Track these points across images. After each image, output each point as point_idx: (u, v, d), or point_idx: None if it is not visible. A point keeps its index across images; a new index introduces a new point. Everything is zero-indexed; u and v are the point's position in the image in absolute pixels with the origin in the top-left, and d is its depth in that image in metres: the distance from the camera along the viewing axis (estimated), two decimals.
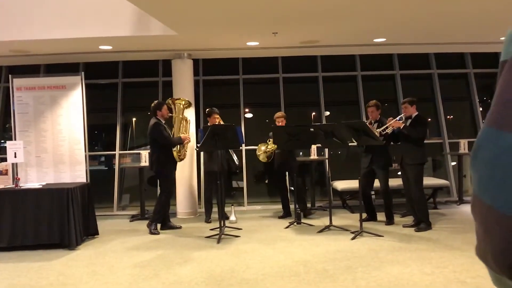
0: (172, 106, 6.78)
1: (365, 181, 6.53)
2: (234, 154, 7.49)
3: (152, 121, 6.41)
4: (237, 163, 7.55)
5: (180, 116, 6.77)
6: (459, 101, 9.61)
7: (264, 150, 7.23)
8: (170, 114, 6.69)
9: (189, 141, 6.75)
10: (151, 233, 6.31)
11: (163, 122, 6.50)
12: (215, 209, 7.29)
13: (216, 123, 6.88)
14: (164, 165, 6.43)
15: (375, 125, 6.51)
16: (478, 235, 0.70)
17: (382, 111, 6.69)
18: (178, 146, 6.57)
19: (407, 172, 6.11)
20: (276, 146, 7.02)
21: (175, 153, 6.53)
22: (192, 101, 7.97)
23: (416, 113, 6.17)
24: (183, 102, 6.81)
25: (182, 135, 6.59)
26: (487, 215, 0.66)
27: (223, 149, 6.79)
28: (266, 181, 9.22)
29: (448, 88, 9.14)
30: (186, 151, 6.75)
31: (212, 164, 7.01)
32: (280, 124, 7.15)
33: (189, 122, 6.95)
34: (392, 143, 6.44)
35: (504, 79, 0.68)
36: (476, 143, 0.69)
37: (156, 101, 6.64)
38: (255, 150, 8.57)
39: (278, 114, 7.29)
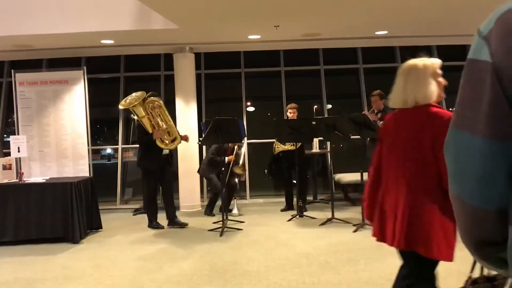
0: (133, 111, 6.15)
1: None
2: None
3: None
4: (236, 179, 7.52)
5: (143, 115, 6.05)
6: None
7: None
8: (134, 117, 6.24)
9: (161, 135, 6.09)
10: (154, 228, 6.28)
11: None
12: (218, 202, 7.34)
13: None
14: (146, 161, 6.25)
15: (379, 115, 6.52)
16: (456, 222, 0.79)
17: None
18: (159, 140, 6.08)
19: None
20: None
21: (158, 143, 6.05)
22: (194, 95, 7.98)
23: None
24: (137, 102, 5.99)
25: (155, 132, 6.03)
26: (455, 203, 0.76)
27: (226, 143, 6.80)
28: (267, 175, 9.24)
29: (451, 81, 9.08)
30: (176, 136, 6.19)
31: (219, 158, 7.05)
32: (291, 115, 7.17)
33: (162, 104, 6.20)
34: None
35: (461, 82, 0.75)
36: (445, 141, 0.77)
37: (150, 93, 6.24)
38: (257, 143, 8.62)
39: (292, 104, 7.31)
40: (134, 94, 6.17)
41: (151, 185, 6.38)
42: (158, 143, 6.09)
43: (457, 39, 8.35)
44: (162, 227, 6.29)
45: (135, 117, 6.22)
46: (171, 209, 6.44)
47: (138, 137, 6.36)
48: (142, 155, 6.30)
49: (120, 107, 6.35)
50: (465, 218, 0.74)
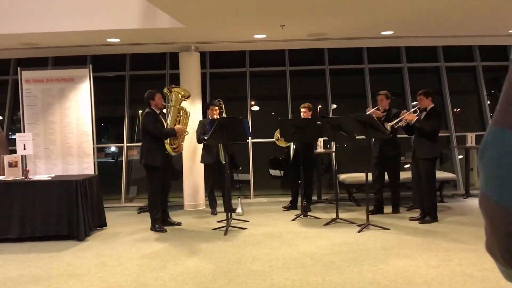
0: (169, 95, 6.37)
1: (376, 172, 6.60)
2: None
3: (145, 111, 6.16)
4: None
5: (178, 106, 6.31)
6: (466, 94, 9.57)
7: (277, 137, 7.32)
8: (165, 104, 6.34)
9: (185, 133, 6.33)
10: (157, 231, 6.06)
11: (159, 112, 6.19)
12: (220, 201, 7.34)
13: (219, 116, 6.86)
14: (154, 158, 6.01)
15: (384, 114, 6.52)
16: (486, 231, 0.71)
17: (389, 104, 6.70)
18: (170, 138, 6.13)
19: (420, 166, 6.09)
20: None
21: (167, 145, 6.07)
22: (200, 94, 7.99)
23: (432, 105, 6.08)
24: (182, 92, 6.35)
25: (176, 127, 6.14)
26: (494, 211, 0.67)
27: (230, 142, 6.80)
28: (274, 174, 9.25)
29: (456, 81, 9.10)
30: (182, 143, 6.36)
31: (208, 157, 7.06)
32: (304, 115, 7.14)
33: (189, 114, 6.49)
34: (407, 135, 6.50)
35: (509, 78, 0.69)
36: (483, 141, 0.70)
37: (149, 90, 6.27)
38: (262, 142, 8.62)
39: (304, 104, 7.24)
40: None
41: (157, 184, 6.11)
42: (167, 144, 6.07)
43: (462, 40, 8.33)
44: (165, 231, 6.07)
45: (170, 103, 6.32)
46: (167, 209, 6.50)
47: (156, 128, 6.02)
48: (148, 152, 6.07)
49: (174, 89, 6.43)
50: (506, 228, 0.67)
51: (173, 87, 6.44)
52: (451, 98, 8.88)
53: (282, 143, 7.39)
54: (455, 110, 9.10)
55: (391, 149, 6.47)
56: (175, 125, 6.25)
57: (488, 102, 9.03)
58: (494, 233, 0.69)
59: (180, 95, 6.37)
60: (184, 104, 6.56)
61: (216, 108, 7.09)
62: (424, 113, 6.08)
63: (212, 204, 7.29)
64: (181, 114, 6.38)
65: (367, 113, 6.45)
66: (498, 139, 0.67)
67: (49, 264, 4.66)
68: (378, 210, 6.73)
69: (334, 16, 6.43)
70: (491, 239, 0.70)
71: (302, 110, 7.17)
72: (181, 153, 7.53)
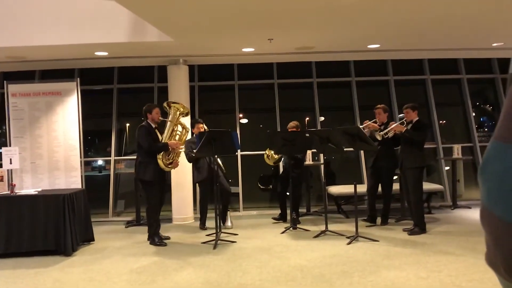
0: (168, 109, 6.36)
1: (371, 182, 6.68)
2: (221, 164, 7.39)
3: (140, 124, 6.16)
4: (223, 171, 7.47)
5: (174, 122, 6.27)
6: (452, 106, 9.70)
7: (267, 154, 7.35)
8: (163, 119, 6.27)
9: (181, 149, 6.31)
10: (157, 245, 5.99)
11: (154, 126, 6.18)
12: (210, 214, 7.28)
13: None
14: (148, 172, 5.97)
15: (382, 127, 6.60)
16: (488, 245, 0.71)
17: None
18: (163, 153, 6.02)
19: (407, 176, 6.17)
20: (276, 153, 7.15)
21: (159, 160, 5.97)
22: (188, 107, 7.97)
23: (417, 118, 6.27)
24: (181, 109, 6.33)
25: (169, 142, 6.07)
26: (497, 226, 0.67)
27: (219, 155, 6.77)
28: (262, 187, 9.25)
29: (441, 94, 9.23)
30: (178, 158, 6.28)
31: (200, 174, 6.97)
32: None
33: (188, 131, 6.48)
34: (394, 147, 6.57)
35: (510, 93, 0.69)
36: (485, 156, 0.70)
37: (148, 104, 6.33)
38: (250, 155, 8.63)
39: (291, 124, 7.29)
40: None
41: (153, 198, 6.03)
42: (159, 159, 5.98)
43: (448, 53, 8.47)
44: (165, 245, 6.01)
45: (168, 119, 6.26)
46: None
47: (148, 142, 5.97)
48: (140, 166, 6.04)
49: (173, 104, 6.38)
50: (511, 244, 0.66)
51: (173, 103, 6.39)
52: (437, 110, 9.00)
53: (271, 162, 7.42)
54: (441, 122, 9.21)
55: (387, 160, 6.53)
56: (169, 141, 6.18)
57: (474, 114, 9.16)
58: (498, 248, 0.68)
59: (178, 112, 6.31)
60: None
61: (201, 125, 7.06)
62: (410, 126, 6.21)
63: (203, 218, 7.16)
64: (179, 130, 6.33)
65: (364, 124, 6.55)
66: (501, 154, 0.67)
67: (36, 280, 4.58)
68: (372, 221, 6.79)
69: (321, 30, 6.50)
70: (494, 253, 0.70)
71: (291, 130, 7.21)
72: None
